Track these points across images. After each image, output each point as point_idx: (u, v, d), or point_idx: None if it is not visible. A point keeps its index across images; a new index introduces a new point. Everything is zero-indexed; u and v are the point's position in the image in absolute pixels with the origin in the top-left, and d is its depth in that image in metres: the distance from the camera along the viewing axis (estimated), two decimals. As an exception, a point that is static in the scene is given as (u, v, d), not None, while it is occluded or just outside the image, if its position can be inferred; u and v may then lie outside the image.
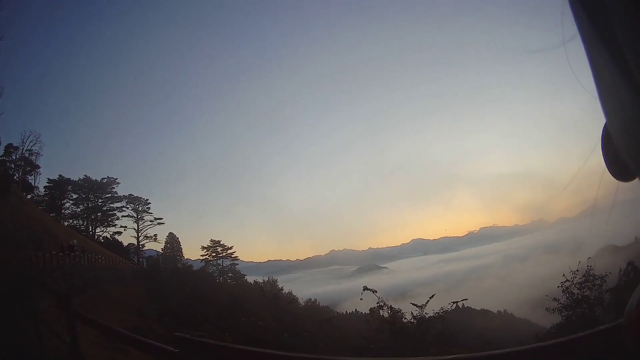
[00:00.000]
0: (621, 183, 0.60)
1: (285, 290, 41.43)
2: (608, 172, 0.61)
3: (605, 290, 12.93)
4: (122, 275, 30.17)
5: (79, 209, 53.89)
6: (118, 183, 57.09)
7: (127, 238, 54.23)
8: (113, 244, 48.32)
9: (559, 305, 14.18)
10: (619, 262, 15.60)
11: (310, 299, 45.90)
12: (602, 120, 0.57)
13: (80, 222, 53.77)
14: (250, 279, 48.53)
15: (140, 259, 50.75)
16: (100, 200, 54.57)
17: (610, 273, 13.38)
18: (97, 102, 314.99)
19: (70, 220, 52.63)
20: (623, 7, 0.38)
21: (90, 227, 53.47)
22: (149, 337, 4.88)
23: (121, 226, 54.60)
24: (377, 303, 12.00)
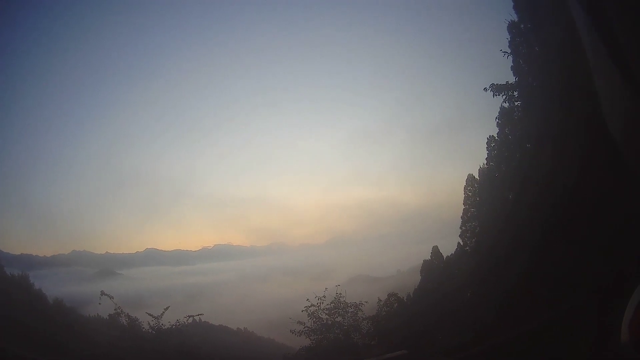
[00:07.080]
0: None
1: (36, 287, 35.36)
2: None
3: (362, 318, 13.86)
4: None
5: None
6: None
7: None
8: None
9: (306, 329, 14.44)
10: (376, 292, 17.02)
11: (57, 299, 40.29)
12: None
13: None
14: (7, 270, 37.99)
15: None
16: None
17: (366, 302, 14.44)
18: None
19: None
20: (623, 8, 0.38)
21: None
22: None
23: None
24: (115, 309, 13.03)
